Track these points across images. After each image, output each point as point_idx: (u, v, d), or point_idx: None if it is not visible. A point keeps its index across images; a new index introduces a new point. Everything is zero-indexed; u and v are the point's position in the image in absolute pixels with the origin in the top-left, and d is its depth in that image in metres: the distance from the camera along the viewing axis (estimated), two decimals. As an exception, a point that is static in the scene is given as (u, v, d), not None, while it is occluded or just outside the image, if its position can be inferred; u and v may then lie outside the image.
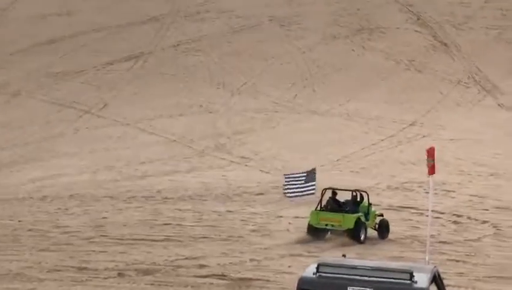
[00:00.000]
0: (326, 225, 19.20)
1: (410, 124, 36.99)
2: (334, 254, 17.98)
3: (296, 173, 23.73)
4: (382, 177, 29.97)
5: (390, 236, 21.51)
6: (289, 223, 23.15)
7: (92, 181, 30.01)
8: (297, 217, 23.72)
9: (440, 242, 21.25)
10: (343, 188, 20.05)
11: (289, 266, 19.06)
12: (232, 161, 33.03)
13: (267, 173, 31.15)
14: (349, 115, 38.54)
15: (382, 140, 35.01)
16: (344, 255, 10.36)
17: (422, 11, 49.78)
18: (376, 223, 21.08)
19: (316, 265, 9.38)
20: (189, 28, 49.03)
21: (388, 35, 47.22)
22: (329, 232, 20.50)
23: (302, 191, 23.20)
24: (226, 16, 50.84)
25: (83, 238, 22.03)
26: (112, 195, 27.56)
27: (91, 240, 21.88)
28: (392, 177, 29.81)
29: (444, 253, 20.30)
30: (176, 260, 19.82)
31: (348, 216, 19.32)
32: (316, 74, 43.63)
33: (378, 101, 39.80)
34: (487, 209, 25.37)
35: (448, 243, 21.58)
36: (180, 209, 25.44)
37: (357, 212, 19.77)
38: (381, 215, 20.87)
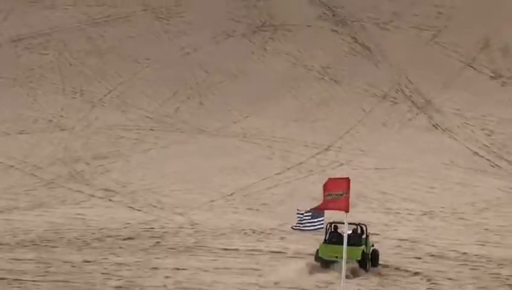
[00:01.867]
0: (336, 256, 23.39)
1: (325, 149, 37.36)
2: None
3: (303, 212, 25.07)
4: (288, 216, 29.91)
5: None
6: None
7: None
8: (177, 269, 23.35)
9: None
10: (342, 221, 21.55)
11: None
12: (91, 195, 32.39)
13: (138, 210, 30.67)
14: (246, 136, 38.58)
15: (289, 168, 35.20)
16: None
17: (339, 5, 50.79)
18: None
19: None
20: (34, 17, 48.11)
21: (296, 34, 47.79)
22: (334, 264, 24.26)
23: (311, 226, 24.86)
24: (84, 2, 50.20)
25: None
26: None
27: None
28: (301, 216, 29.97)
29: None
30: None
31: (355, 249, 23.83)
32: (204, 82, 43.54)
33: (284, 119, 40.04)
34: (419, 258, 25.79)
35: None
36: (18, 259, 24.59)
37: (361, 244, 24.31)
38: (373, 245, 25.53)
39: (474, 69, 45.46)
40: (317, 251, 23.81)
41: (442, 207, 31.68)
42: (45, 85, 42.94)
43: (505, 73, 44.87)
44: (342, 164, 35.78)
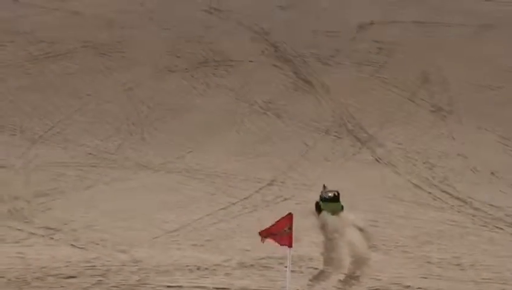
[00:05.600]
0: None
1: (268, 184, 37.36)
2: None
3: None
4: (233, 251, 29.93)
5: None
6: None
7: None
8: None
9: None
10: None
11: None
12: (32, 233, 31.86)
13: (80, 248, 30.29)
14: (189, 171, 38.41)
15: (233, 204, 35.10)
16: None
17: (280, 40, 51.17)
18: None
19: None
20: (-28, 53, 47.71)
21: (239, 69, 47.94)
22: None
23: None
24: (24, 38, 49.83)
25: None
26: None
27: None
28: (245, 251, 29.86)
29: None
30: None
31: (338, 204, 33.29)
32: (147, 118, 43.33)
33: (227, 154, 39.98)
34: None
35: None
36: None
37: (339, 201, 32.78)
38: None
39: (415, 103, 45.98)
40: (317, 205, 33.50)
41: (385, 240, 31.84)
42: (-18, 122, 42.37)
43: (445, 107, 45.47)
44: (286, 199, 35.78)
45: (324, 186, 34.53)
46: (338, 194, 33.63)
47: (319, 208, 33.66)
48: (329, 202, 33.48)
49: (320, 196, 33.92)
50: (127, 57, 48.53)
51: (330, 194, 33.66)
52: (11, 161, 39.05)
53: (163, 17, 53.44)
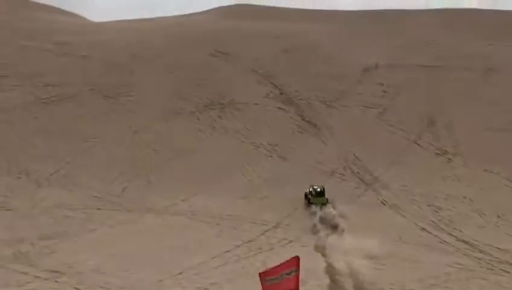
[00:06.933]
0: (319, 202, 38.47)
1: (274, 226, 37.20)
2: None
3: None
4: (238, 295, 29.76)
5: None
6: None
7: None
8: None
9: None
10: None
11: None
12: (36, 276, 31.67)
13: (85, 291, 30.05)
14: (195, 214, 38.31)
15: (238, 246, 34.93)
16: None
17: (285, 83, 51.25)
18: None
19: None
20: (-19, 97, 47.88)
21: (245, 112, 47.98)
22: None
23: None
24: (31, 82, 49.98)
25: None
26: None
27: None
28: (251, 295, 29.67)
29: None
30: None
31: (323, 198, 38.49)
32: (152, 160, 43.32)
33: (232, 196, 39.89)
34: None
35: None
36: None
37: (324, 195, 38.18)
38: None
39: (420, 146, 45.89)
40: (306, 196, 38.83)
41: (392, 284, 31.57)
42: (-10, 165, 42.42)
43: (450, 150, 45.37)
44: (291, 241, 35.60)
45: (311, 186, 39.45)
46: (323, 189, 38.97)
47: (308, 200, 38.90)
48: (317, 197, 38.68)
49: (310, 191, 38.99)
50: (133, 100, 48.62)
51: (318, 189, 38.90)
52: (17, 203, 39.00)
53: (169, 61, 53.63)
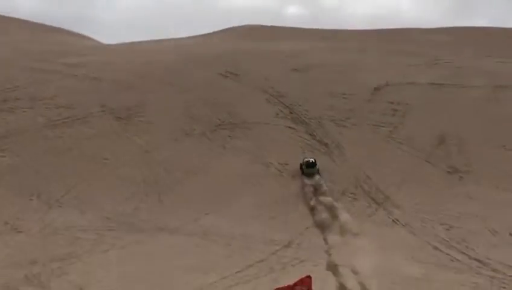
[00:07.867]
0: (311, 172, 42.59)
1: (285, 246, 37.07)
2: None
3: None
4: (250, 315, 29.62)
5: None
6: None
7: None
8: None
9: None
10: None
11: None
12: (48, 297, 31.61)
13: (96, 312, 29.99)
14: (206, 233, 38.21)
15: (249, 266, 34.79)
16: None
17: (295, 103, 51.19)
18: None
19: None
20: (-8, 119, 47.91)
21: (254, 132, 47.92)
22: None
23: None
24: (43, 104, 50.05)
25: None
26: None
27: None
28: (262, 315, 29.56)
29: None
30: None
31: (315, 169, 43.33)
32: (164, 180, 43.28)
33: (243, 216, 39.79)
34: None
35: None
36: None
37: (316, 166, 43.20)
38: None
39: (431, 164, 45.72)
40: (301, 166, 43.18)
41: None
42: (1, 187, 42.35)
43: (461, 168, 45.16)
44: (302, 261, 35.45)
45: (304, 158, 43.89)
46: (315, 160, 43.45)
47: (302, 170, 43.20)
48: (310, 167, 42.94)
49: (304, 162, 43.47)
50: (144, 120, 48.63)
51: (311, 160, 43.33)
52: (28, 225, 38.95)
53: (180, 81, 53.68)
